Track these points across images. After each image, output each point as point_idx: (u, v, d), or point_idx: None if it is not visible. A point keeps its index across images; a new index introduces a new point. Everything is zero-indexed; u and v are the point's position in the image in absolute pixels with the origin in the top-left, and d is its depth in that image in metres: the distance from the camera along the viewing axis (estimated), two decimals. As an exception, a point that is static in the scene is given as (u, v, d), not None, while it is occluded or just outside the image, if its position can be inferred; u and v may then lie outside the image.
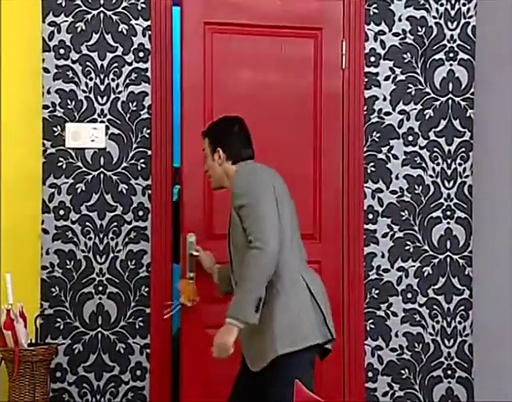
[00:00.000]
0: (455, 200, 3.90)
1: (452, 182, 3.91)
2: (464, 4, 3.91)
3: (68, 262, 3.75)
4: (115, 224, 3.79)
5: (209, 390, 3.56)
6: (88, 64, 3.78)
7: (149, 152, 3.81)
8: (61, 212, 3.75)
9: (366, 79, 3.86)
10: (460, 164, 3.92)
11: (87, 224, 3.77)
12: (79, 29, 3.77)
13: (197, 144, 3.33)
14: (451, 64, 3.91)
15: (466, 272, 3.88)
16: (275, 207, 2.96)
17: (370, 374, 3.83)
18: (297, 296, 2.96)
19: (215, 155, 3.18)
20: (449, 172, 3.91)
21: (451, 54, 3.91)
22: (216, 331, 2.94)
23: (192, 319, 3.56)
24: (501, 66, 3.79)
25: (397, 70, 3.90)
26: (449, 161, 3.92)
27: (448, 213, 3.90)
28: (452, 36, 3.91)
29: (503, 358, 3.78)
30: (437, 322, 3.86)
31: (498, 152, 3.81)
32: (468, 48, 3.90)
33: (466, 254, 3.89)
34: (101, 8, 3.78)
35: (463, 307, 3.88)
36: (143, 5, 3.80)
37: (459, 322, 3.86)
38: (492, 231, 3.83)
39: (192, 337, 3.56)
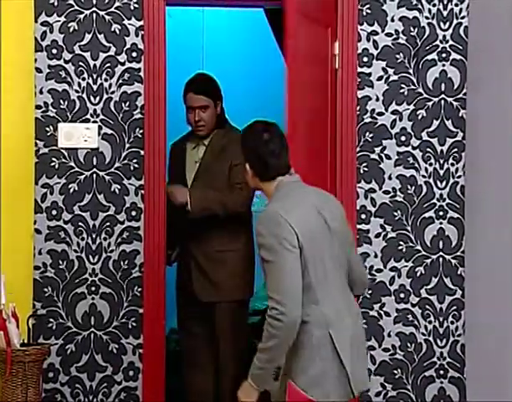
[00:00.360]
0: (448, 200, 3.91)
1: (444, 183, 3.92)
2: (457, 5, 3.92)
3: (60, 262, 3.75)
4: (108, 224, 3.78)
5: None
6: (80, 63, 3.77)
7: (142, 152, 3.80)
8: (54, 212, 3.75)
9: (358, 80, 3.86)
10: (453, 164, 3.92)
11: (80, 224, 3.76)
12: (71, 29, 3.77)
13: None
14: (443, 65, 3.92)
15: (458, 272, 3.89)
16: (297, 263, 2.70)
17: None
18: (320, 352, 2.72)
19: (247, 167, 2.90)
20: (442, 172, 3.92)
21: (443, 55, 3.92)
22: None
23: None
24: (493, 67, 3.80)
25: (390, 70, 3.91)
26: (442, 161, 3.92)
27: (441, 213, 3.90)
28: (444, 36, 3.92)
29: (495, 358, 3.78)
30: (430, 322, 3.87)
31: (490, 153, 3.82)
32: (461, 48, 3.91)
33: (458, 254, 3.89)
34: (94, 8, 3.78)
35: (455, 307, 3.88)
36: (136, 5, 3.80)
37: (452, 322, 3.86)
38: (484, 231, 3.83)
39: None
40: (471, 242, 3.85)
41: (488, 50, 3.82)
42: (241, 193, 3.92)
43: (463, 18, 3.91)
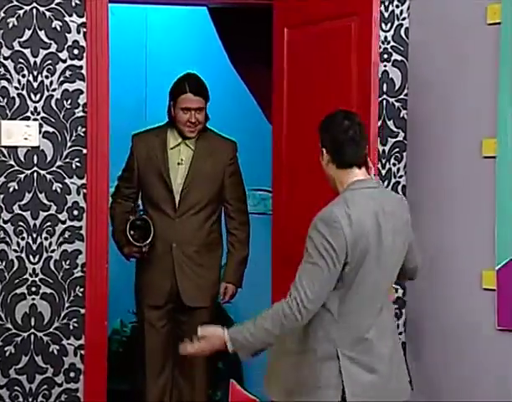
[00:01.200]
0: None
1: (386, 182, 3.96)
2: (398, 6, 3.97)
3: None
4: (49, 223, 3.73)
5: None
6: (20, 60, 3.70)
7: (84, 151, 3.76)
8: (-7, 211, 3.68)
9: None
10: (394, 164, 3.97)
11: (20, 223, 3.70)
12: (10, 25, 3.70)
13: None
14: (385, 65, 3.96)
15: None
16: (333, 280, 2.70)
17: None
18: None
19: (323, 154, 2.88)
20: (384, 172, 3.96)
21: (385, 56, 3.96)
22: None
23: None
24: (433, 67, 3.86)
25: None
26: (384, 161, 3.97)
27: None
28: (386, 37, 3.97)
29: (434, 358, 3.84)
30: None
31: (430, 153, 3.88)
32: (402, 49, 3.96)
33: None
34: (34, 4, 3.72)
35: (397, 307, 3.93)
36: (78, 1, 3.74)
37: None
38: (425, 231, 3.89)
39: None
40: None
41: (428, 51, 3.88)
42: (244, 229, 4.07)
43: (403, 19, 3.96)
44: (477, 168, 3.67)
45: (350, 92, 3.52)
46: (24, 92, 3.71)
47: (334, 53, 3.61)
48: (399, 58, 3.96)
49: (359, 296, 2.75)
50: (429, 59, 3.83)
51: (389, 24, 3.96)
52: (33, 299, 3.70)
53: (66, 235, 3.74)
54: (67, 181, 3.75)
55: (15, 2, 3.70)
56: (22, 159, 3.71)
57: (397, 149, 3.97)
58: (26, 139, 3.71)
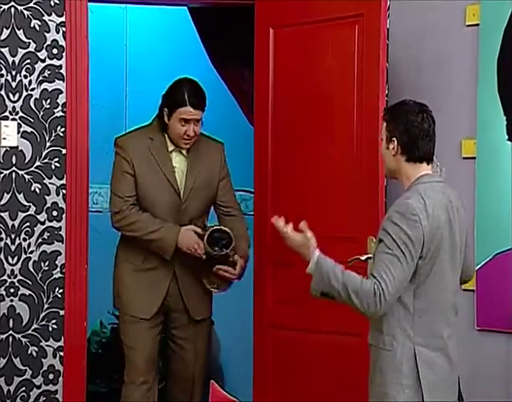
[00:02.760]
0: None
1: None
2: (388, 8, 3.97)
3: (-23, 264, 3.65)
4: (28, 224, 3.70)
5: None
6: (-1, 59, 3.68)
7: (63, 151, 3.73)
8: (-30, 212, 3.65)
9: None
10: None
11: (-2, 224, 3.68)
12: (-11, 24, 3.67)
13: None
14: (365, 66, 3.96)
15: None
16: (409, 272, 2.67)
17: None
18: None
19: (390, 144, 2.79)
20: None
21: (365, 56, 3.97)
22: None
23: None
24: (413, 68, 3.87)
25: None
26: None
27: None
28: (366, 38, 3.97)
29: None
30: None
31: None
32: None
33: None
34: (12, 3, 3.69)
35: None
36: (56, 0, 3.72)
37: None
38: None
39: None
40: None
41: (408, 52, 3.89)
42: (242, 221, 3.80)
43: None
44: (457, 169, 3.68)
45: (352, 95, 3.52)
46: (3, 92, 3.68)
47: (331, 54, 3.60)
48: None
49: (434, 292, 2.72)
50: (409, 60, 3.84)
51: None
52: (12, 300, 3.68)
53: (45, 236, 3.71)
54: (46, 181, 3.72)
55: (-7, 1, 3.68)
56: (0, 159, 3.68)
57: (378, 150, 3.99)
58: (4, 139, 3.69)
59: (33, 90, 3.71)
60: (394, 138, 2.80)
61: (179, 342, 3.73)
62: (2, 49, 3.68)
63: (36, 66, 3.71)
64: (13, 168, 3.70)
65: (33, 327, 3.69)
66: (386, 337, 2.72)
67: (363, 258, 3.30)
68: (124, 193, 3.62)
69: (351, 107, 3.54)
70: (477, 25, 3.61)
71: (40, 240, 3.71)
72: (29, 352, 3.69)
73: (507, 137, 3.52)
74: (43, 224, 3.71)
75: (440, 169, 2.99)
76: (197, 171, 3.68)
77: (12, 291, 3.68)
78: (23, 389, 3.69)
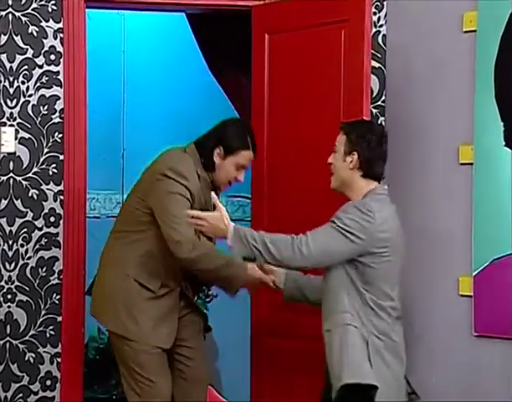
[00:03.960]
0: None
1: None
2: (375, 13, 3.97)
3: (-25, 270, 3.65)
4: (25, 230, 3.70)
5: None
6: (-4, 65, 3.69)
7: (61, 157, 3.74)
8: (-32, 218, 3.65)
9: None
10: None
11: (-5, 230, 3.68)
12: (-14, 30, 3.68)
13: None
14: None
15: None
16: (346, 241, 2.86)
17: None
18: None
19: (348, 157, 2.96)
20: (361, 178, 3.97)
21: (363, 63, 3.97)
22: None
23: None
24: (410, 74, 3.88)
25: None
26: (361, 167, 3.97)
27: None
28: (364, 45, 3.98)
29: (410, 364, 3.85)
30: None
31: (408, 159, 3.89)
32: (379, 56, 3.97)
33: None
34: (10, 9, 3.69)
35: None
36: (54, 7, 3.72)
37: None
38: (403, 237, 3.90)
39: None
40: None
41: (405, 59, 3.90)
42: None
43: (381, 26, 3.97)
44: (454, 175, 3.69)
45: (339, 100, 3.53)
46: (0, 98, 3.68)
47: (321, 60, 3.62)
48: (377, 65, 3.96)
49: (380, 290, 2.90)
50: (407, 66, 3.85)
51: (367, 31, 3.97)
52: (9, 306, 3.67)
53: (43, 242, 3.71)
54: (43, 187, 3.72)
55: (-9, 8, 3.68)
56: (-2, 165, 3.69)
57: (375, 156, 3.98)
58: (2, 145, 3.69)
59: (30, 96, 3.71)
60: (355, 152, 2.93)
61: (187, 354, 3.42)
62: (0, 55, 3.69)
63: (34, 72, 3.71)
64: (11, 174, 3.70)
65: (30, 334, 3.69)
66: (345, 314, 2.87)
67: None
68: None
69: (339, 112, 3.55)
70: (474, 31, 3.61)
71: (38, 246, 3.71)
72: (26, 358, 3.69)
73: (504, 143, 3.52)
74: (40, 230, 3.71)
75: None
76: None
77: (9, 297, 3.68)
78: (21, 395, 3.68)
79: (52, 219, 3.73)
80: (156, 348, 3.26)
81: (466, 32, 3.64)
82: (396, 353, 2.95)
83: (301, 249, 2.80)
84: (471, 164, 3.61)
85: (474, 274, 3.57)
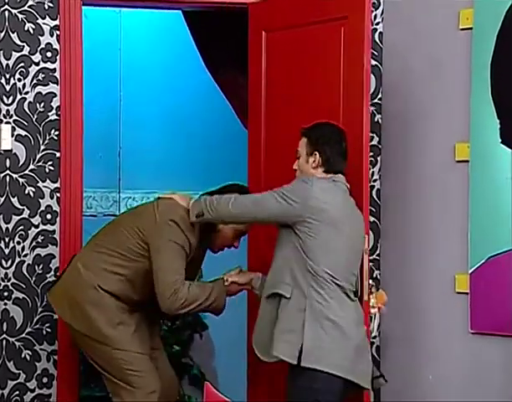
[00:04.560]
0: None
1: (360, 186, 3.97)
2: (372, 11, 3.98)
3: (-29, 267, 3.65)
4: (22, 227, 3.69)
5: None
6: (-8, 63, 3.68)
7: (57, 154, 3.73)
8: (-36, 215, 3.64)
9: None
10: (369, 168, 3.97)
11: (-8, 227, 3.67)
12: (-17, 27, 3.67)
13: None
14: (359, 70, 3.97)
15: (374, 275, 3.95)
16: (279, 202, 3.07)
17: None
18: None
19: (310, 158, 3.15)
20: (358, 175, 3.97)
21: (359, 60, 3.97)
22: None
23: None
24: (407, 72, 3.88)
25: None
26: (358, 165, 3.97)
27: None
28: (360, 42, 3.97)
29: (407, 361, 3.85)
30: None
31: (404, 157, 3.90)
32: (376, 54, 3.97)
33: (374, 257, 3.95)
34: (6, 6, 3.69)
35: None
36: (50, 4, 3.72)
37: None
38: (400, 234, 3.91)
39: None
40: (386, 245, 3.93)
41: (401, 57, 3.90)
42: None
43: (377, 24, 3.98)
44: (450, 172, 3.69)
45: (339, 98, 3.51)
46: (-4, 95, 3.68)
47: (319, 58, 3.60)
48: (373, 62, 3.97)
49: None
50: (403, 63, 3.85)
51: (363, 29, 3.97)
52: (5, 304, 3.67)
53: (39, 239, 3.71)
54: (40, 185, 3.72)
55: (-13, 5, 3.68)
56: (-6, 162, 3.69)
57: (372, 153, 3.98)
58: (-2, 142, 3.68)
59: (27, 93, 3.70)
60: (316, 152, 3.14)
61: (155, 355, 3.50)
62: (-4, 53, 3.69)
63: (30, 69, 3.70)
64: (7, 172, 3.69)
65: (26, 331, 3.68)
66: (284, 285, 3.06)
67: (373, 311, 3.38)
68: (179, 270, 3.27)
69: (338, 109, 3.54)
70: (470, 29, 3.62)
71: (34, 244, 3.70)
72: (23, 355, 3.68)
73: (500, 140, 3.53)
74: (37, 227, 3.71)
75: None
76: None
77: (5, 294, 3.67)
78: (17, 392, 3.67)
79: (48, 216, 3.72)
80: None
81: (462, 29, 3.65)
82: (334, 323, 2.98)
83: (234, 199, 3.14)
84: (467, 162, 3.62)
85: (471, 271, 3.58)
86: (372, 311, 3.35)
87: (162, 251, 3.25)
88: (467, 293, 3.59)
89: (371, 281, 3.36)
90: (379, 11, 3.97)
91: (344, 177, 3.17)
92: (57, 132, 3.73)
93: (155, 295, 3.26)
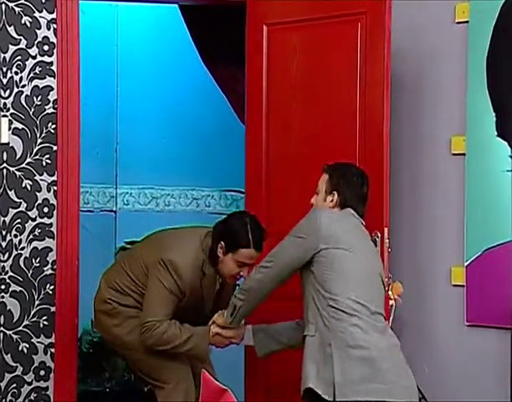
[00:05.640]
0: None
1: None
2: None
3: (-32, 260, 3.65)
4: (19, 220, 3.70)
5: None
6: (-11, 56, 3.68)
7: (54, 148, 3.73)
8: (-39, 208, 3.65)
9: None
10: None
11: (-11, 220, 3.67)
12: (-20, 21, 3.68)
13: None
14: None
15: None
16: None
17: None
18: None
19: (329, 196, 3.09)
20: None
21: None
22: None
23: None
24: (403, 65, 3.88)
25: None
26: (354, 159, 3.98)
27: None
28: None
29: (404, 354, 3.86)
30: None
31: (401, 150, 3.90)
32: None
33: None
34: (3, 0, 3.69)
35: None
36: (48, -3, 3.73)
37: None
38: (396, 227, 3.91)
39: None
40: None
41: (399, 49, 3.91)
42: None
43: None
44: (446, 165, 3.71)
45: (355, 92, 3.50)
46: (-6, 88, 3.69)
47: (333, 53, 3.59)
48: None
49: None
50: (399, 57, 3.86)
51: (359, 23, 3.98)
52: (3, 297, 3.67)
53: (36, 233, 3.71)
54: (37, 178, 3.72)
55: (-16, -2, 3.68)
56: (-9, 156, 3.69)
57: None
58: (-5, 135, 3.69)
59: (24, 86, 3.71)
60: (335, 192, 3.06)
61: None
62: (-7, 46, 3.69)
63: (27, 63, 3.71)
64: (4, 165, 3.69)
65: (24, 324, 3.68)
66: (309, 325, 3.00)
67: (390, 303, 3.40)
68: (166, 314, 3.30)
69: (354, 104, 3.52)
70: (466, 22, 3.63)
71: (31, 237, 3.70)
72: (20, 348, 3.68)
73: (496, 133, 3.54)
74: (34, 220, 3.71)
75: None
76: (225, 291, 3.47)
77: (3, 287, 3.67)
78: (14, 385, 3.67)
79: (45, 209, 3.73)
80: None
81: (459, 23, 3.66)
82: (359, 354, 2.88)
83: (255, 268, 3.06)
84: (463, 155, 3.63)
85: (466, 264, 3.59)
86: (390, 302, 3.37)
87: (149, 290, 3.32)
88: (463, 286, 3.60)
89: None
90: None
91: (361, 219, 3.09)
92: (54, 126, 3.73)
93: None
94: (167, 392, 3.36)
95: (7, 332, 3.67)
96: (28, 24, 3.71)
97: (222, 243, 3.30)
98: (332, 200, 3.08)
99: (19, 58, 3.70)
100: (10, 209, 3.69)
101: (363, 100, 3.51)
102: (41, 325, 3.70)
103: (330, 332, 2.89)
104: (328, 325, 2.89)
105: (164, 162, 5.16)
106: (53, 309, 3.69)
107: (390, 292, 3.36)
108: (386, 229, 3.38)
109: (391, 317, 3.37)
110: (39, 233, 3.71)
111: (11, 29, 3.69)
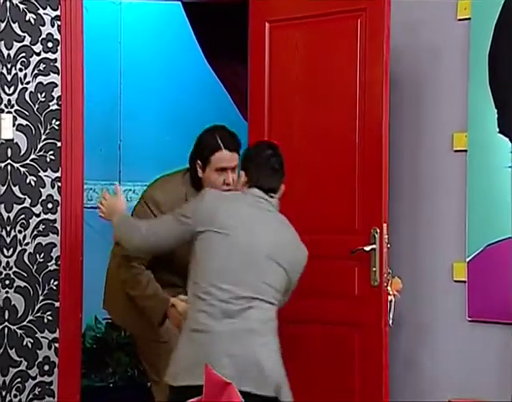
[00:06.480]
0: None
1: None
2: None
3: (-27, 255, 3.67)
4: (23, 216, 3.72)
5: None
6: (-6, 53, 3.70)
7: (58, 144, 3.75)
8: (-34, 204, 3.67)
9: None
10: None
11: (-7, 216, 3.69)
12: (-16, 18, 3.70)
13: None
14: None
15: (373, 264, 3.97)
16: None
17: None
18: None
19: (243, 178, 3.09)
20: (357, 166, 3.99)
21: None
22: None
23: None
24: (404, 62, 3.90)
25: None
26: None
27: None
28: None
29: (405, 349, 3.87)
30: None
31: (402, 147, 3.92)
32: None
33: (373, 246, 3.97)
34: (8, -3, 3.72)
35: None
36: (52, -6, 3.75)
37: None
38: (397, 223, 3.92)
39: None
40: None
41: (400, 46, 3.92)
42: None
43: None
44: (448, 162, 3.72)
45: (355, 87, 3.52)
46: (-2, 85, 3.70)
47: (333, 49, 3.60)
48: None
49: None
50: (401, 54, 3.87)
51: (362, 20, 4.00)
52: (7, 292, 3.69)
53: (40, 228, 3.73)
54: (41, 174, 3.74)
55: (-12, -5, 3.70)
56: (-5, 152, 3.71)
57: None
58: (0, 132, 3.70)
59: (28, 83, 3.73)
60: (242, 172, 3.09)
61: None
62: (-2, 43, 3.71)
63: (31, 59, 3.73)
64: (9, 161, 3.71)
65: (28, 319, 3.70)
66: None
67: (367, 249, 3.36)
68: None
69: (354, 100, 3.54)
70: (468, 19, 3.64)
71: (35, 232, 3.72)
72: (25, 343, 3.70)
73: (498, 130, 3.56)
74: (38, 216, 3.73)
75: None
76: None
77: (7, 282, 3.69)
78: (19, 380, 3.69)
79: (49, 205, 3.75)
80: None
81: (460, 20, 3.67)
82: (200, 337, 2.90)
83: (140, 229, 3.09)
84: (465, 151, 3.64)
85: (468, 259, 3.60)
86: (389, 298, 3.38)
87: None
88: (464, 281, 3.61)
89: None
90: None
91: (276, 194, 3.07)
92: (58, 122, 3.75)
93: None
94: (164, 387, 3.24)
95: (12, 327, 3.69)
96: (33, 21, 3.73)
97: (198, 161, 3.30)
98: (242, 179, 3.09)
99: (23, 54, 3.72)
100: (14, 205, 3.71)
101: (363, 96, 3.52)
102: (45, 320, 3.72)
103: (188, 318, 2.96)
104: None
105: (167, 159, 5.16)
106: (57, 304, 3.72)
107: (389, 288, 3.37)
108: (385, 225, 3.40)
109: (391, 313, 3.38)
110: (43, 229, 3.73)
111: (15, 26, 3.71)
